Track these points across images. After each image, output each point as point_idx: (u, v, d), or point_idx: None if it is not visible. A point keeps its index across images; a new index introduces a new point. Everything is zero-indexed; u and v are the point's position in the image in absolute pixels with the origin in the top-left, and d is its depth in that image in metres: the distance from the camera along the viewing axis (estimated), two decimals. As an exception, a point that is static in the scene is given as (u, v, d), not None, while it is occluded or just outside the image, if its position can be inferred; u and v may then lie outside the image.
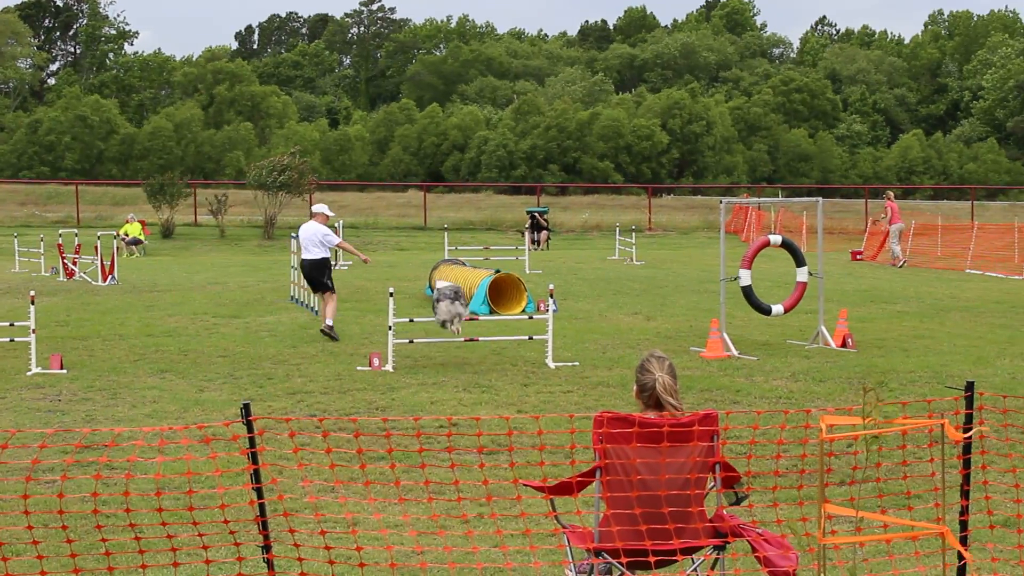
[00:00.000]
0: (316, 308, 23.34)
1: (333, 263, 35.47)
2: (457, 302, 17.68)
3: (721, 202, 20.27)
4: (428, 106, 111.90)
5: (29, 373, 16.17)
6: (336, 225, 40.90)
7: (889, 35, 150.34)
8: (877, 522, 6.73)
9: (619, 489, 6.51)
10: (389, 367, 16.57)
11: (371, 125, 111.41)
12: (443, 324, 17.58)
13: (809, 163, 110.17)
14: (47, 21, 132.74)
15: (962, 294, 27.79)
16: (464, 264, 27.80)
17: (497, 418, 11.93)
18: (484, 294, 23.83)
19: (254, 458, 6.44)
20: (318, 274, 20.65)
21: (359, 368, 16.62)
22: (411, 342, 17.63)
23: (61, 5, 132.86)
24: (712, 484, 6.74)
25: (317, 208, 21.39)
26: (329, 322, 20.00)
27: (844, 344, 18.50)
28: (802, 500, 7.82)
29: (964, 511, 6.81)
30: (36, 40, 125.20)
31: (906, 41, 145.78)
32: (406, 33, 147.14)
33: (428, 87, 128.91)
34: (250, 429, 6.43)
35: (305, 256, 20.81)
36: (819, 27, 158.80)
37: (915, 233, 42.02)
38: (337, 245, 21.22)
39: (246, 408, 6.50)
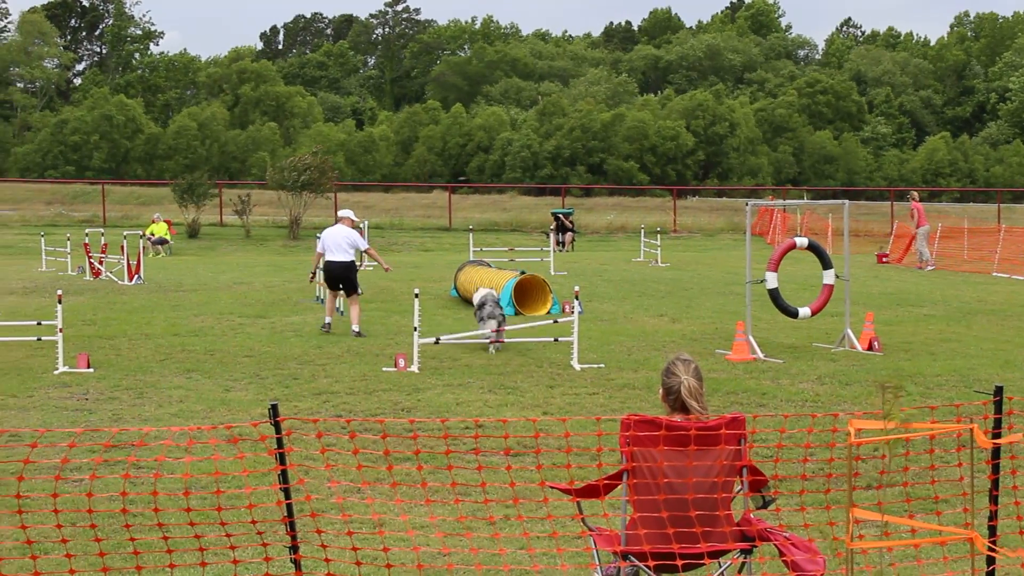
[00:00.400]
0: (341, 308, 23.42)
1: (358, 264, 35.75)
2: (497, 309, 18.86)
3: (747, 204, 20.21)
4: (452, 107, 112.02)
5: (56, 372, 16.24)
6: (361, 226, 41.02)
7: (915, 37, 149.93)
8: (905, 527, 6.70)
9: (646, 492, 6.50)
10: (415, 368, 16.59)
11: (395, 125, 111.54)
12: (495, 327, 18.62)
13: (834, 165, 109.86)
14: (73, 21, 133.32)
15: (989, 297, 27.66)
16: (489, 265, 27.81)
17: (523, 420, 11.93)
18: (509, 295, 23.85)
19: (282, 459, 6.45)
20: (346, 275, 21.12)
21: (385, 369, 16.64)
22: (437, 342, 17.64)
23: (87, 5, 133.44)
24: (739, 487, 6.73)
25: (344, 213, 21.92)
26: (355, 327, 20.57)
27: (870, 347, 18.44)
28: (829, 504, 7.80)
29: (993, 516, 6.78)
30: (62, 40, 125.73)
31: (932, 43, 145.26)
32: (431, 34, 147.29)
33: (453, 88, 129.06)
34: (278, 430, 6.44)
35: (335, 258, 21.16)
36: (844, 28, 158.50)
37: (941, 236, 41.84)
38: (365, 251, 21.83)
39: (274, 409, 6.51)
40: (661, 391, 6.99)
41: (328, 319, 21.04)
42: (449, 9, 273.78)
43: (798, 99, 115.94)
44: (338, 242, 21.14)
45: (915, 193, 40.65)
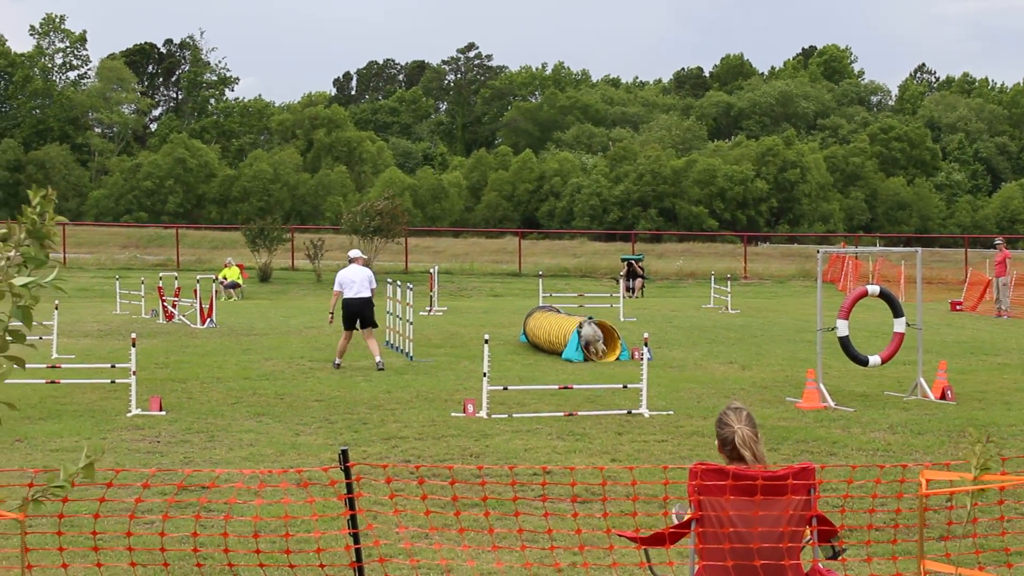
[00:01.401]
0: (411, 353, 23.60)
1: (428, 309, 35.91)
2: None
3: (818, 251, 20.12)
4: (522, 152, 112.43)
5: (129, 414, 16.43)
6: (432, 271, 41.24)
7: (990, 83, 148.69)
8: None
9: (713, 541, 6.49)
10: (483, 413, 16.61)
11: (466, 171, 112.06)
12: (586, 346, 21.40)
13: (907, 211, 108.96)
14: (151, 67, 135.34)
15: (1065, 347, 27.30)
16: (558, 311, 27.82)
17: (591, 467, 11.92)
18: (578, 341, 23.84)
19: (351, 503, 6.50)
20: (369, 311, 22.53)
21: (453, 414, 16.68)
22: (505, 389, 17.69)
23: (165, 52, 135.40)
24: (808, 538, 6.69)
25: (357, 253, 23.61)
26: (378, 359, 22.01)
27: (943, 396, 18.25)
28: (896, 555, 7.72)
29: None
30: (140, 86, 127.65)
31: (1008, 88, 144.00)
32: (502, 80, 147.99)
33: (524, 133, 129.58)
34: (348, 475, 6.50)
35: (359, 295, 22.56)
36: (918, 74, 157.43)
37: (1016, 283, 41.37)
38: (372, 290, 22.95)
39: (344, 454, 6.57)
40: (717, 443, 6.98)
41: (338, 360, 22.31)
42: (520, 55, 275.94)
43: (870, 146, 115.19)
44: (363, 281, 22.62)
45: (1002, 241, 39.93)
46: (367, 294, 22.48)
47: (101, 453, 5.41)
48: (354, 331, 22.49)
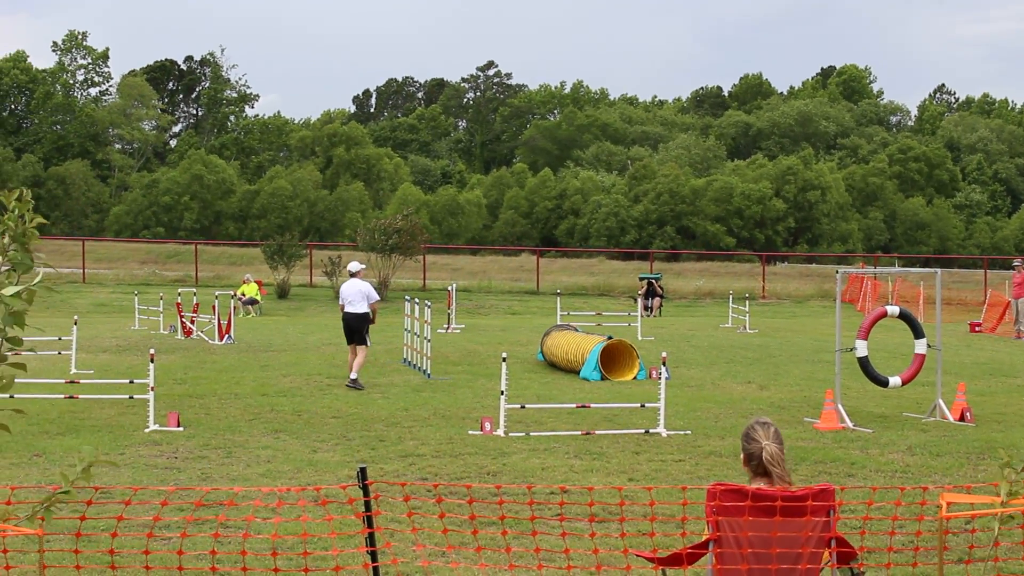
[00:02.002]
0: (428, 371, 23.60)
1: (445, 326, 35.88)
2: None
3: (837, 271, 20.08)
4: (541, 171, 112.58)
5: (147, 430, 16.46)
6: (449, 288, 41.25)
7: (1010, 103, 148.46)
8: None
9: (731, 562, 6.47)
10: (500, 432, 16.60)
11: (484, 189, 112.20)
12: None
13: (926, 232, 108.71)
14: (171, 84, 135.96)
15: (1085, 369, 27.18)
16: (576, 330, 27.80)
17: (608, 487, 11.89)
18: (596, 360, 23.82)
19: (369, 521, 6.50)
20: (361, 327, 22.26)
21: (471, 432, 16.68)
22: (523, 407, 17.68)
23: (185, 69, 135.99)
24: (827, 560, 6.67)
25: (356, 267, 23.12)
26: (354, 375, 21.69)
27: (962, 418, 18.18)
28: (917, 578, 7.69)
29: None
30: (160, 102, 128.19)
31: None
32: (521, 98, 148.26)
33: (543, 152, 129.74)
34: (366, 492, 6.50)
35: (353, 310, 22.32)
36: (938, 95, 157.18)
37: (1036, 305, 41.17)
38: (372, 304, 22.56)
39: (362, 472, 6.57)
40: (742, 456, 6.96)
41: (353, 375, 21.93)
42: (540, 74, 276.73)
43: (889, 166, 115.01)
44: (356, 294, 22.34)
45: (1021, 261, 39.65)
46: (361, 309, 22.25)
47: (97, 457, 5.40)
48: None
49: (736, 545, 6.44)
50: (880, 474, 13.99)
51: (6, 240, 4.64)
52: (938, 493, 5.89)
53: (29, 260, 4.62)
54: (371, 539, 6.57)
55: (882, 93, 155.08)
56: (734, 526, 6.44)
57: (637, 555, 7.29)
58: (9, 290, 4.55)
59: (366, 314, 22.27)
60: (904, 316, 19.29)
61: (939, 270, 20.89)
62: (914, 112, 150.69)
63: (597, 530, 9.88)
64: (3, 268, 4.63)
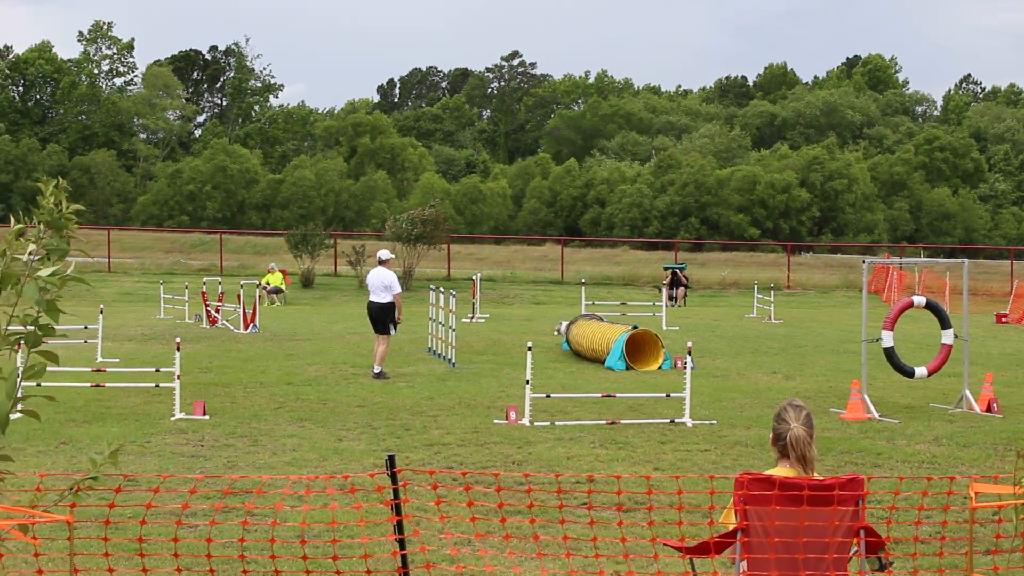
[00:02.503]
0: (453, 360, 23.63)
1: (470, 316, 35.90)
2: None
3: (864, 261, 20.02)
4: (566, 160, 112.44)
5: (173, 418, 16.52)
6: (474, 278, 41.28)
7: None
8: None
9: (759, 551, 6.46)
10: (526, 421, 16.61)
11: (509, 178, 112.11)
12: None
13: (952, 222, 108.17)
14: (196, 74, 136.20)
15: (1112, 360, 27.05)
16: (601, 319, 27.79)
17: (636, 477, 11.88)
18: (621, 350, 23.81)
19: (398, 509, 6.51)
20: (383, 316, 22.10)
21: (496, 421, 16.68)
22: (548, 396, 17.68)
23: (210, 59, 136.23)
24: (855, 549, 6.65)
25: (386, 255, 22.91)
26: (377, 369, 21.59)
27: (989, 409, 18.11)
28: (943, 568, 7.66)
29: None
30: (185, 92, 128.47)
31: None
32: (545, 88, 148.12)
33: (567, 142, 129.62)
34: (395, 480, 6.50)
35: (375, 299, 22.22)
36: (964, 85, 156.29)
37: (1063, 296, 41.03)
38: (394, 296, 22.30)
39: (391, 460, 6.58)
40: (771, 435, 6.96)
41: (377, 368, 21.83)
42: (564, 63, 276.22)
43: (914, 156, 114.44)
44: (378, 284, 22.21)
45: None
46: (383, 299, 22.08)
47: (123, 443, 5.44)
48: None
49: (764, 534, 6.43)
50: (906, 465, 13.95)
51: (41, 228, 4.67)
52: (966, 483, 5.87)
53: (65, 245, 4.64)
54: (399, 527, 6.58)
55: (907, 83, 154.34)
56: (762, 515, 6.43)
57: (665, 544, 7.29)
58: (45, 271, 4.57)
59: (388, 304, 22.07)
60: (931, 306, 19.23)
61: (966, 260, 20.79)
62: (940, 102, 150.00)
63: (625, 519, 9.88)
64: (36, 257, 4.65)
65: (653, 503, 10.37)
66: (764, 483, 6.42)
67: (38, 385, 14.44)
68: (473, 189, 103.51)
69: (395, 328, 22.49)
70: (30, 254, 4.61)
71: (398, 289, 22.38)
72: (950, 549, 8.64)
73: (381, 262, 22.63)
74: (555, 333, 27.39)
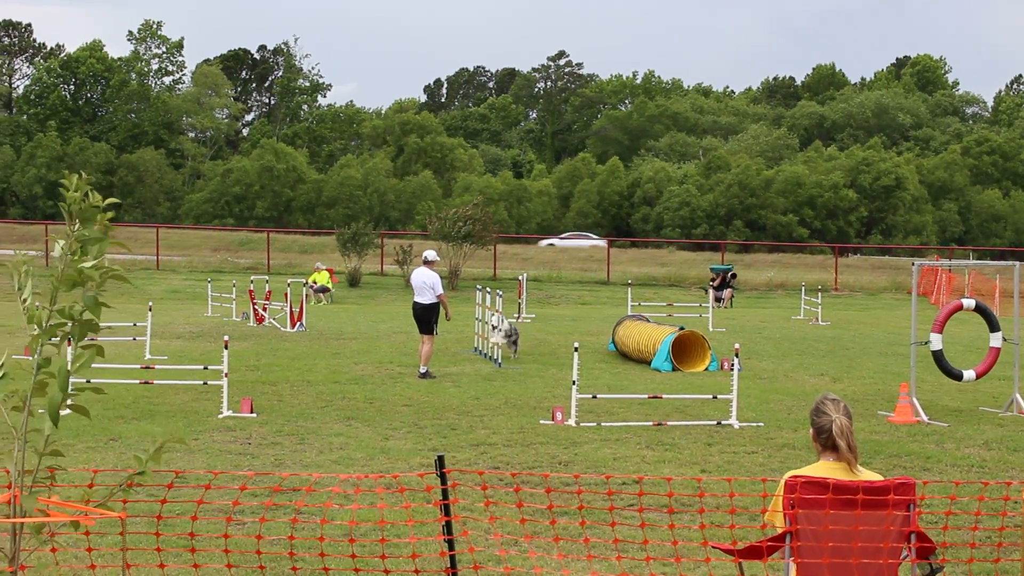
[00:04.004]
0: (499, 360, 23.63)
1: (516, 316, 35.91)
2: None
3: (913, 263, 19.87)
4: (609, 160, 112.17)
5: (220, 416, 16.61)
6: (520, 278, 41.28)
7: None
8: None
9: (810, 555, 6.42)
10: (572, 422, 16.58)
11: (555, 179, 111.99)
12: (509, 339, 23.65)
13: (1001, 224, 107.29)
14: (244, 73, 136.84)
15: None
16: (647, 320, 27.73)
17: (687, 478, 11.84)
18: (667, 351, 23.75)
19: (447, 510, 6.51)
20: (427, 317, 22.15)
21: (542, 421, 16.67)
22: (594, 397, 17.66)
23: (259, 58, 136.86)
24: (906, 554, 6.59)
25: (432, 256, 23.05)
26: (423, 369, 21.67)
27: (1040, 413, 17.95)
28: (997, 574, 7.59)
29: None
30: (233, 91, 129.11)
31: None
32: (592, 88, 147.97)
33: (613, 142, 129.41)
34: (444, 480, 6.50)
35: (420, 299, 22.27)
36: (1014, 86, 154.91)
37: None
38: (438, 296, 22.35)
39: (440, 460, 6.58)
40: (811, 431, 6.90)
41: (422, 368, 21.86)
42: (611, 63, 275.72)
43: (963, 158, 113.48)
44: (422, 284, 22.24)
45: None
46: (427, 300, 22.15)
47: (174, 437, 5.46)
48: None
49: (815, 538, 6.39)
50: (956, 469, 13.84)
51: (74, 221, 4.69)
52: (1022, 489, 5.80)
53: (99, 234, 4.66)
54: (448, 527, 6.58)
55: (957, 84, 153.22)
56: (813, 519, 6.38)
57: (715, 547, 7.25)
58: (87, 262, 4.59)
59: (432, 305, 22.13)
60: (980, 309, 19.07)
61: (1017, 263, 20.58)
62: (990, 103, 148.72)
63: (675, 521, 9.85)
64: (73, 249, 4.67)
65: (703, 505, 10.33)
66: (816, 486, 6.38)
67: (88, 382, 14.55)
68: (520, 189, 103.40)
69: (437, 328, 22.54)
70: (68, 248, 4.63)
71: (440, 290, 22.34)
72: (1005, 555, 8.56)
73: (426, 262, 22.68)
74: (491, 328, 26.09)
